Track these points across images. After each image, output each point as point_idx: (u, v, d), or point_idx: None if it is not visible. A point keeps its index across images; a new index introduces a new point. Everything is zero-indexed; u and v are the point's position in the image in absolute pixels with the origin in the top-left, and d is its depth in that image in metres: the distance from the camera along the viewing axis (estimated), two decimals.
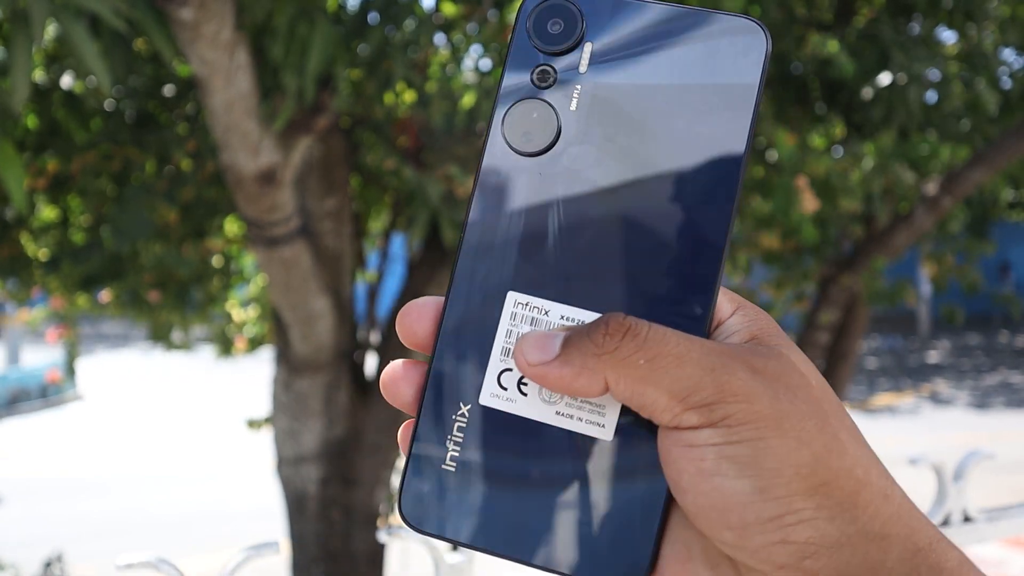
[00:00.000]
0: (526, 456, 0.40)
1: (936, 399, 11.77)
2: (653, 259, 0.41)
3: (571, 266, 0.41)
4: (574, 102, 0.42)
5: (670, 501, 0.39)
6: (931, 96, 4.23)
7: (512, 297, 0.41)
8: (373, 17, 2.94)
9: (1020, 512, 1.15)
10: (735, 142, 0.41)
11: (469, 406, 0.41)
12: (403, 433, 0.42)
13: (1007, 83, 4.80)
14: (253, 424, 4.50)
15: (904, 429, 9.91)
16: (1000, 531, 1.13)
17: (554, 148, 0.42)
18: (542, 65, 0.42)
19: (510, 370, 0.41)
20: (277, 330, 3.49)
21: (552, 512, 0.40)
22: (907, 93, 3.72)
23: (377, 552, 3.54)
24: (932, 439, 9.37)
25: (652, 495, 0.39)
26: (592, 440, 0.40)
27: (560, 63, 0.42)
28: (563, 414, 0.40)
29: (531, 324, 0.41)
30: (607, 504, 0.40)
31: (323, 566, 3.46)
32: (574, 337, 0.38)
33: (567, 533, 0.40)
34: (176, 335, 4.87)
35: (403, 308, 0.43)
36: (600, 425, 0.40)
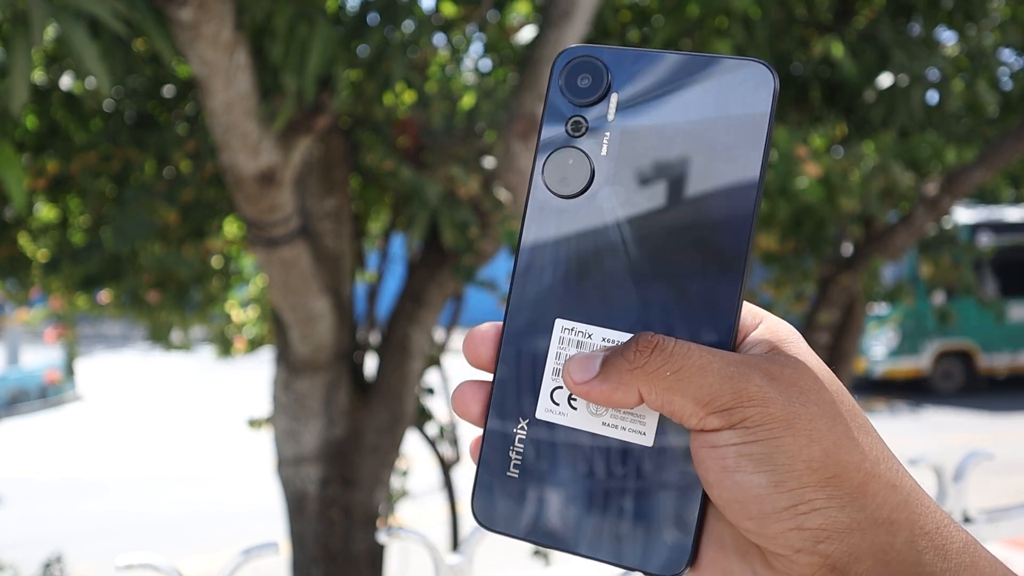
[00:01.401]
0: (579, 462, 0.47)
1: (935, 399, 11.78)
2: (682, 282, 0.46)
3: (609, 293, 0.47)
4: (604, 148, 0.48)
5: (706, 497, 0.45)
6: (931, 96, 4.23)
7: (559, 324, 0.47)
8: (373, 18, 2.94)
9: (1020, 513, 1.15)
10: (750, 170, 0.46)
11: (528, 420, 0.47)
12: (473, 445, 0.48)
13: (1007, 84, 4.80)
14: (253, 424, 4.50)
15: (904, 429, 9.92)
16: (1000, 532, 1.14)
17: (589, 190, 0.47)
18: (575, 116, 0.48)
19: (560, 388, 0.47)
20: (277, 330, 3.49)
21: (604, 510, 0.46)
22: (908, 93, 3.72)
23: (377, 552, 3.54)
24: (932, 440, 9.37)
25: (690, 492, 0.45)
26: (635, 446, 0.46)
27: (590, 113, 0.48)
28: (608, 424, 0.46)
29: (577, 347, 0.47)
30: (651, 502, 0.45)
31: (323, 566, 3.46)
32: (611, 356, 0.44)
33: (618, 528, 0.46)
34: (175, 335, 4.87)
35: (468, 334, 0.49)
36: (641, 433, 0.46)
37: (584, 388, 0.44)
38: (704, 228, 0.46)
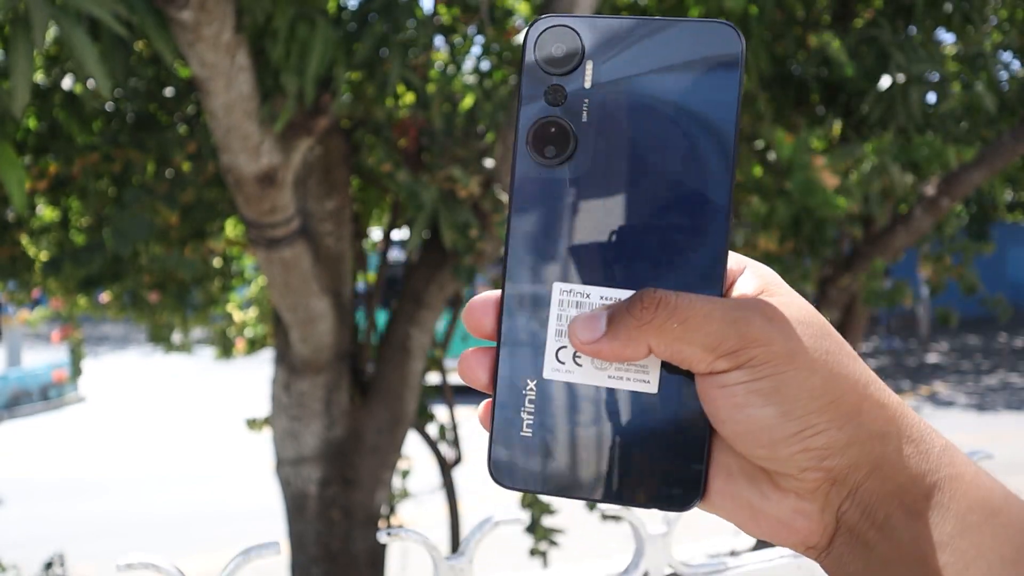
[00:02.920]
0: (589, 415, 0.49)
1: (935, 400, 11.78)
2: (671, 236, 0.48)
3: (602, 254, 0.49)
4: (584, 115, 0.49)
5: (711, 433, 0.48)
6: (930, 97, 4.23)
7: (557, 287, 0.49)
8: (373, 19, 2.94)
9: None
10: (725, 124, 0.48)
11: (535, 380, 0.49)
12: (483, 411, 0.50)
13: (1005, 85, 4.80)
14: (253, 425, 4.51)
15: None
16: None
17: (574, 156, 0.49)
18: (552, 85, 0.49)
19: (564, 347, 0.49)
20: (277, 331, 3.50)
21: (617, 457, 0.48)
22: (907, 94, 3.73)
23: (377, 552, 3.55)
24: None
25: (697, 430, 0.48)
26: (641, 394, 0.48)
27: (567, 81, 0.49)
28: (614, 376, 0.48)
29: (576, 307, 0.49)
30: (661, 444, 0.48)
31: (323, 566, 3.46)
32: (616, 314, 0.47)
33: (632, 472, 0.48)
34: (176, 336, 4.87)
35: (468, 304, 0.51)
36: (646, 381, 0.48)
37: (594, 347, 0.47)
38: (686, 182, 0.48)
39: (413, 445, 4.21)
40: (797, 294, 0.49)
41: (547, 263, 0.49)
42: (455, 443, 4.39)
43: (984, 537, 0.44)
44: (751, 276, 0.49)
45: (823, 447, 0.45)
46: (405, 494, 4.33)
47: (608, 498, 0.49)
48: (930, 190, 4.11)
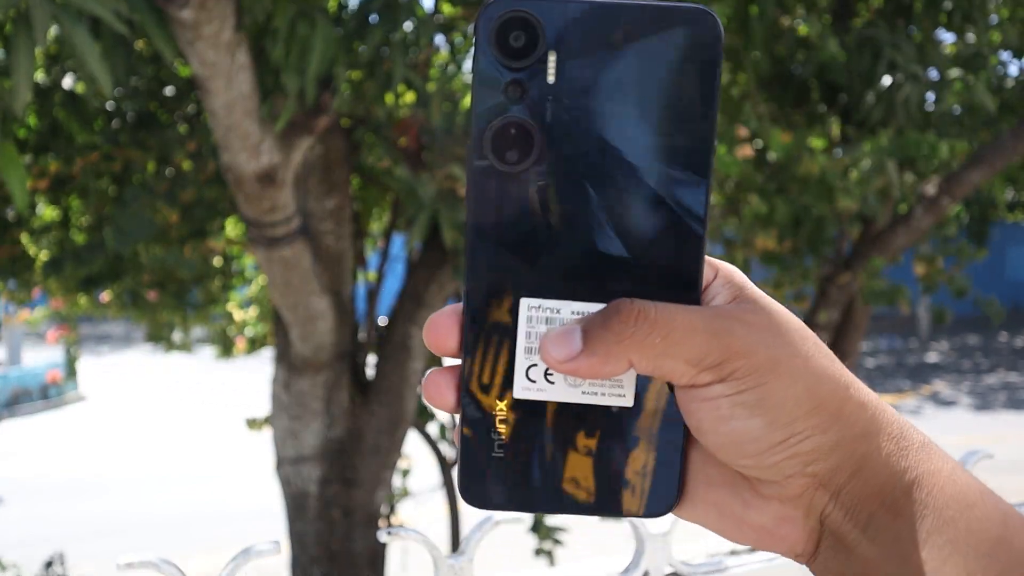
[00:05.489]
0: (563, 432, 0.47)
1: (936, 399, 11.78)
2: (644, 245, 0.45)
3: (571, 265, 0.45)
4: (548, 113, 0.44)
5: (687, 442, 0.47)
6: (930, 97, 4.23)
7: (525, 303, 0.45)
8: (373, 18, 2.94)
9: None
10: (702, 118, 0.44)
11: (505, 401, 0.46)
12: (455, 432, 0.48)
13: (1006, 84, 4.80)
14: (253, 424, 4.51)
15: None
16: None
17: (535, 158, 0.44)
18: (512, 80, 0.44)
19: (535, 365, 0.46)
20: (277, 330, 3.50)
21: (593, 472, 0.47)
22: (906, 94, 3.73)
23: (377, 552, 3.55)
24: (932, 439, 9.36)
25: (671, 441, 0.47)
26: (617, 408, 0.46)
27: (528, 76, 0.44)
28: (588, 392, 0.46)
29: (546, 323, 0.45)
30: (636, 455, 0.47)
31: (323, 566, 3.46)
32: (591, 328, 0.44)
33: (608, 485, 0.47)
34: (176, 335, 4.87)
35: (428, 322, 0.48)
36: (622, 395, 0.46)
37: (571, 365, 0.44)
38: (659, 186, 0.44)
39: (413, 444, 4.22)
40: (768, 296, 0.47)
41: (511, 275, 0.45)
42: (455, 443, 4.39)
43: (960, 532, 0.44)
44: (723, 281, 0.47)
45: (808, 452, 0.44)
46: (405, 493, 4.34)
47: (585, 512, 0.47)
48: (930, 190, 4.11)
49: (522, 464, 0.47)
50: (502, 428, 0.47)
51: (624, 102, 0.44)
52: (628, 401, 0.46)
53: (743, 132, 3.77)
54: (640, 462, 0.47)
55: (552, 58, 0.43)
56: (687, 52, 0.43)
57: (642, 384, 0.46)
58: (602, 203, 0.44)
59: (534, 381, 0.46)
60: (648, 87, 0.44)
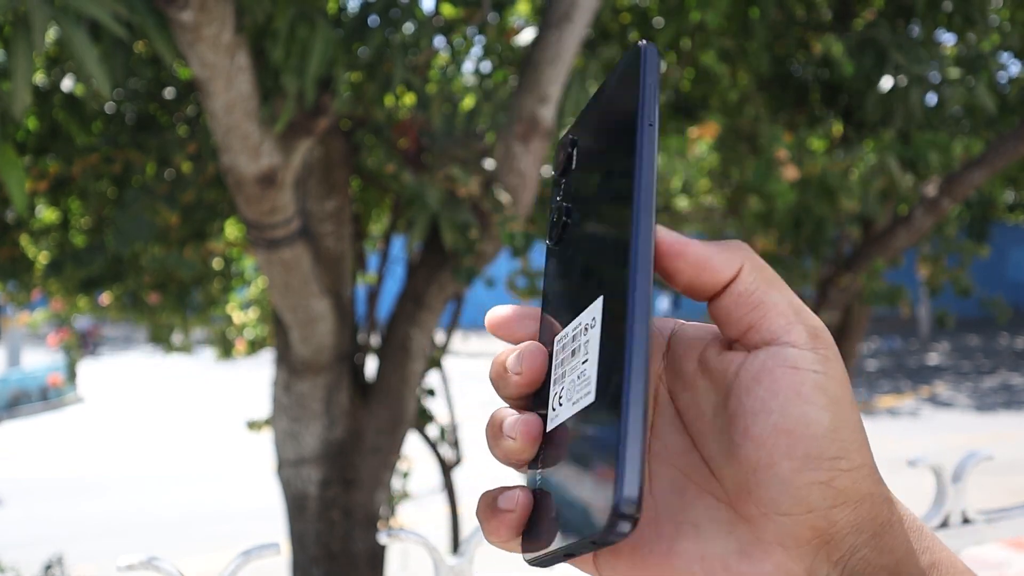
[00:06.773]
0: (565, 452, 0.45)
1: (936, 401, 11.78)
2: (617, 272, 0.43)
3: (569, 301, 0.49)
4: (569, 195, 0.52)
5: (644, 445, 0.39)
6: (931, 98, 4.23)
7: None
8: (373, 20, 2.95)
9: (1019, 513, 1.15)
10: (630, 147, 0.43)
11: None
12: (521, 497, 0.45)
13: (1006, 86, 4.80)
14: (253, 426, 4.51)
15: (904, 431, 9.91)
16: (999, 532, 1.14)
17: (562, 238, 0.51)
18: (558, 180, 0.54)
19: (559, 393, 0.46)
20: (277, 332, 3.49)
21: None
22: (907, 94, 3.73)
23: (377, 553, 3.55)
24: (931, 441, 9.37)
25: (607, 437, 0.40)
26: (585, 408, 0.42)
27: (564, 174, 0.53)
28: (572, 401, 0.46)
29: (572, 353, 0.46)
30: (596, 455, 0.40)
31: (323, 567, 3.46)
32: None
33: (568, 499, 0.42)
34: (176, 337, 4.88)
35: (524, 349, 0.47)
36: (588, 393, 0.43)
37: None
38: (608, 220, 0.45)
39: (413, 446, 4.21)
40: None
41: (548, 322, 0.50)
42: (455, 444, 4.39)
43: None
44: (752, 274, 0.44)
45: (842, 489, 0.40)
46: (405, 495, 4.33)
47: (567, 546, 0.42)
48: (931, 190, 4.11)
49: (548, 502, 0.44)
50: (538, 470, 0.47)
51: (595, 162, 0.49)
52: (591, 396, 0.41)
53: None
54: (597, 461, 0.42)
55: (575, 151, 0.52)
56: (620, 92, 0.46)
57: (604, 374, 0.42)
58: (584, 264, 0.48)
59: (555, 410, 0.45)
60: (602, 136, 0.48)
